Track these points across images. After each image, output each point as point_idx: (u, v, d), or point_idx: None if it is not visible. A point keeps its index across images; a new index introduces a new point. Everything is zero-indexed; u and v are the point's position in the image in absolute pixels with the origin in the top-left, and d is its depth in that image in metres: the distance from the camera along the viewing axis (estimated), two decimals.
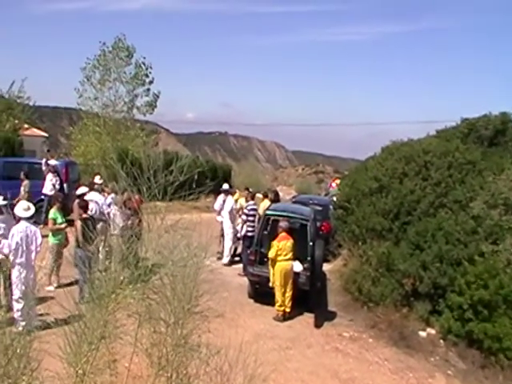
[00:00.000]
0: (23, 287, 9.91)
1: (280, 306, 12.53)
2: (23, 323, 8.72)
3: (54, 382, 4.66)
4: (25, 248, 10.18)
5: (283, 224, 12.99)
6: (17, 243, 10.11)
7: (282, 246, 12.50)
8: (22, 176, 18.78)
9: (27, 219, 10.58)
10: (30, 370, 4.38)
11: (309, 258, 12.84)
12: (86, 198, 14.42)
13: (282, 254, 12.47)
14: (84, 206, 12.52)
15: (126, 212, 12.42)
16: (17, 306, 9.85)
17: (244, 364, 5.38)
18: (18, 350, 4.25)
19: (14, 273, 10.15)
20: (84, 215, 12.18)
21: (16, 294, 10.02)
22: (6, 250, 10.28)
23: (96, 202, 14.34)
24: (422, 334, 12.08)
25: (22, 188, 18.32)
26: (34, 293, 8.82)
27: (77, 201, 13.41)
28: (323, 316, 12.80)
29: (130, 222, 11.65)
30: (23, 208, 10.65)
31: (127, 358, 4.84)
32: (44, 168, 19.93)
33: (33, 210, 10.84)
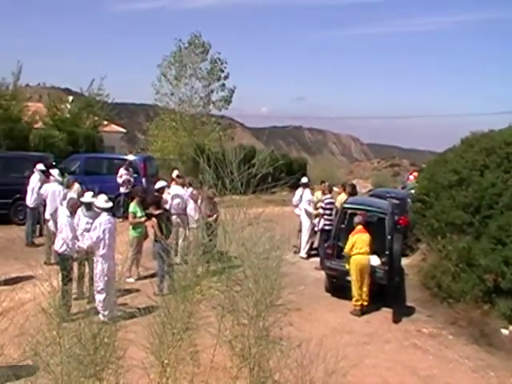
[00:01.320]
0: (105, 279, 10.20)
1: (357, 300, 12.42)
2: (106, 313, 8.99)
3: (137, 371, 4.76)
4: (107, 240, 10.48)
5: (358, 218, 12.92)
6: (98, 236, 10.42)
7: (357, 239, 12.41)
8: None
9: (107, 211, 10.92)
10: (115, 358, 4.50)
11: (387, 253, 12.67)
12: (170, 192, 14.79)
13: (357, 248, 12.37)
14: (156, 202, 12.80)
15: (209, 206, 12.63)
16: (99, 297, 10.15)
17: (324, 358, 5.36)
18: (106, 340, 4.38)
19: (97, 265, 10.45)
20: (156, 211, 12.45)
21: (99, 285, 10.33)
22: (87, 242, 10.61)
23: (181, 196, 14.63)
24: (505, 331, 11.72)
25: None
26: (115, 284, 9.04)
27: (155, 194, 13.78)
28: (401, 311, 12.60)
29: (214, 217, 11.92)
30: (104, 200, 11.00)
31: (209, 349, 4.89)
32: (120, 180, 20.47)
33: (110, 204, 11.19)
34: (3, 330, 4.31)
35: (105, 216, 10.74)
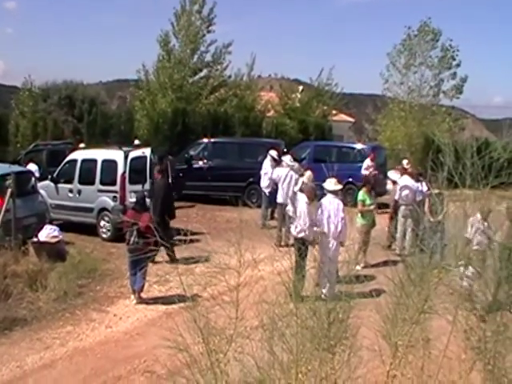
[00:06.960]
0: (329, 261, 10.48)
1: None
2: (324, 290, 9.07)
3: (365, 351, 4.79)
4: (330, 222, 10.82)
5: None
6: (321, 218, 10.77)
7: None
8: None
9: (334, 193, 11.19)
10: (349, 335, 4.58)
11: None
12: (399, 182, 14.68)
13: None
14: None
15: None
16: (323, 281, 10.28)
17: None
18: (340, 315, 4.49)
19: (321, 246, 10.71)
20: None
21: (324, 269, 10.56)
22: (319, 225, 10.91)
23: (409, 187, 14.30)
24: None
25: None
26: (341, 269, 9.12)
27: None
28: None
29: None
30: (334, 183, 11.28)
31: (442, 337, 4.77)
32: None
33: (340, 186, 11.53)
34: (243, 298, 4.63)
35: (329, 197, 11.05)
